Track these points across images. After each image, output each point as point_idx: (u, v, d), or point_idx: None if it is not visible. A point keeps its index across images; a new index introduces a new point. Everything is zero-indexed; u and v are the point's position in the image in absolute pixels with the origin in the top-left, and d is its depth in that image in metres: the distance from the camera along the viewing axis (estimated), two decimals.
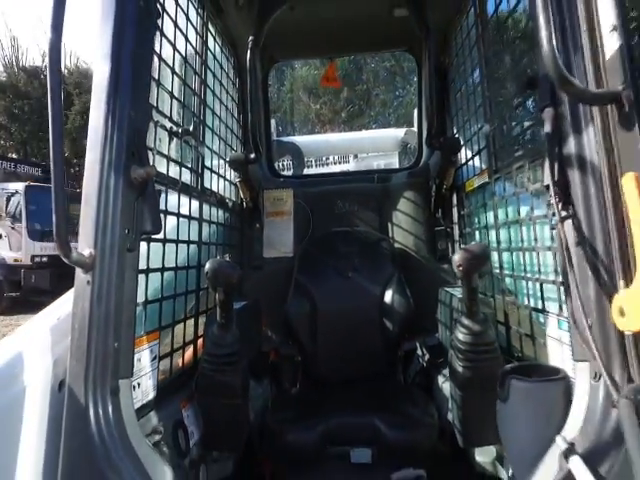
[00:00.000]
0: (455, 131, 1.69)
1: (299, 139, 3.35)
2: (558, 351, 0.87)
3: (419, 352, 1.51)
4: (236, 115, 1.81)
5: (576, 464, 0.60)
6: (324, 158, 4.12)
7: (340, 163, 4.79)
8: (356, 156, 3.82)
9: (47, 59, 0.70)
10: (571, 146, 0.69)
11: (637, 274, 0.51)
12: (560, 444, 0.64)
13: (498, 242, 1.27)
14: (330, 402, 1.35)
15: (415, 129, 2.61)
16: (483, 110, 1.37)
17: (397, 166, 3.55)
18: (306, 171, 3.29)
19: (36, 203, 10.46)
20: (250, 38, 1.49)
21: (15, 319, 8.53)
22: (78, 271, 0.74)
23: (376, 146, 3.21)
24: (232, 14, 1.54)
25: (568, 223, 0.71)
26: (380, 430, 1.18)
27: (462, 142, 1.59)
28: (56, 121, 0.68)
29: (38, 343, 0.74)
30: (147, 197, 0.84)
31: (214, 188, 1.49)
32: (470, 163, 1.54)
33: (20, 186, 9.83)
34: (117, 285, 0.75)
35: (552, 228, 0.93)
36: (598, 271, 0.64)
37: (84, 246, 0.73)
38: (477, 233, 1.49)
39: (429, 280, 1.64)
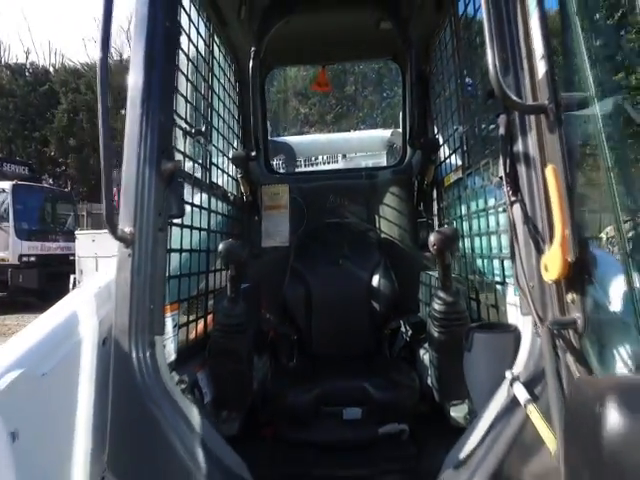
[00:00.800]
0: (435, 132, 1.89)
1: (292, 139, 3.51)
2: (514, 314, 1.05)
3: (403, 329, 1.69)
4: (236, 116, 1.97)
5: (518, 389, 0.79)
6: (313, 158, 4.29)
7: (329, 163, 4.96)
8: (345, 156, 4.00)
9: (97, 78, 0.85)
10: (518, 145, 0.88)
11: (554, 239, 0.69)
12: (508, 377, 0.83)
13: (470, 229, 1.46)
14: (323, 371, 1.52)
15: (401, 130, 2.81)
16: (458, 114, 1.56)
17: (384, 164, 3.76)
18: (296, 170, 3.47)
19: (23, 202, 10.42)
20: (252, 49, 1.66)
21: (1, 319, 8.51)
22: (120, 246, 0.90)
23: (364, 146, 3.40)
24: (234, 27, 1.70)
25: (516, 206, 0.89)
26: (369, 392, 1.36)
27: (440, 142, 1.78)
28: (106, 135, 0.84)
29: (85, 306, 0.90)
30: (173, 186, 1.00)
31: (219, 182, 1.65)
32: (447, 161, 1.74)
33: (7, 185, 9.76)
34: (152, 258, 0.91)
35: None
36: (537, 243, 0.83)
37: (125, 225, 0.89)
38: (454, 223, 1.68)
39: (412, 266, 1.82)
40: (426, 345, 1.44)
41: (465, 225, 1.51)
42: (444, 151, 1.77)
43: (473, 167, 1.41)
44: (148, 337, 0.87)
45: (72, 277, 10.34)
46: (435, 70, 1.86)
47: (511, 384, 0.81)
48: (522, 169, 0.88)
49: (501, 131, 0.94)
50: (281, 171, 3.07)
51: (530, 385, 0.78)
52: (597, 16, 0.93)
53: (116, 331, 0.86)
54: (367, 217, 2.00)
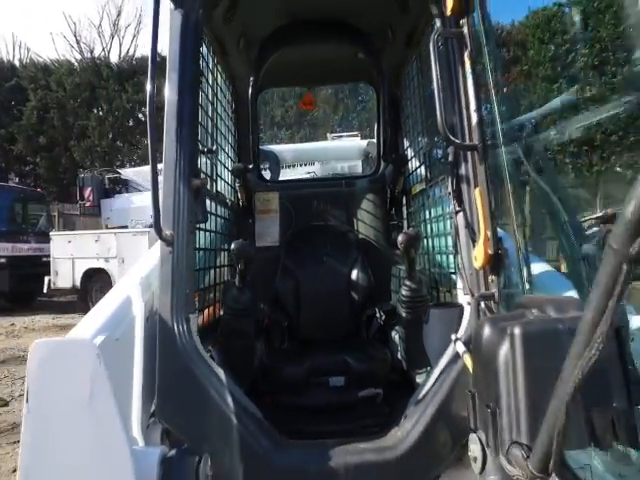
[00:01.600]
0: (404, 149, 2.21)
1: (276, 147, 3.78)
2: (462, 295, 1.38)
3: (377, 315, 2.00)
4: (233, 133, 2.23)
5: (459, 345, 1.11)
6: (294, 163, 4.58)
7: (307, 165, 5.28)
8: (322, 161, 4.30)
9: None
10: (461, 170, 1.20)
11: (480, 239, 1.01)
12: (453, 338, 1.15)
13: (432, 230, 1.79)
14: (311, 350, 1.81)
15: (375, 140, 3.15)
16: (422, 136, 1.89)
17: (359, 170, 4.10)
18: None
19: None
20: (251, 78, 1.94)
21: None
22: (162, 244, 1.16)
23: (343, 154, 3.72)
24: (234, 55, 1.97)
25: (460, 215, 1.21)
26: (349, 364, 1.66)
27: (409, 158, 2.11)
28: (153, 155, 1.10)
29: (134, 292, 1.15)
30: (200, 198, 1.27)
31: (222, 191, 1.92)
32: (414, 174, 2.06)
33: None
34: (186, 255, 1.17)
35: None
36: (472, 241, 1.15)
37: (166, 229, 1.16)
38: (420, 225, 2.01)
39: (385, 262, 2.14)
40: (397, 327, 1.76)
41: (428, 227, 1.83)
42: (412, 165, 2.09)
43: (434, 180, 1.74)
44: (184, 314, 1.14)
45: (47, 279, 10.23)
46: (405, 95, 2.19)
47: (455, 342, 1.13)
48: (463, 188, 1.20)
49: (449, 157, 1.27)
50: (270, 179, 3.35)
51: (467, 342, 1.10)
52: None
53: (161, 309, 1.12)
54: (346, 220, 2.30)
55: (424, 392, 1.16)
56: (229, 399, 1.10)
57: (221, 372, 1.16)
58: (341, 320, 2.03)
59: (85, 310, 9.79)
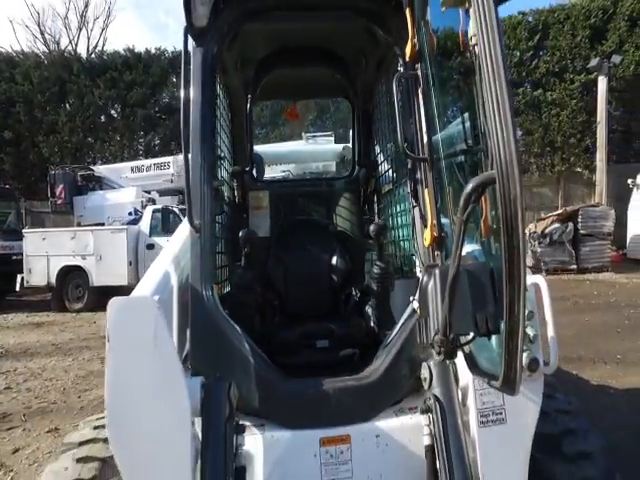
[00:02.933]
0: (375, 155, 2.62)
1: (261, 149, 4.10)
2: (420, 272, 1.80)
3: (354, 293, 2.41)
4: (230, 139, 2.58)
5: (415, 304, 1.52)
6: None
7: (282, 164, 5.64)
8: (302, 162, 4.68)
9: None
10: (416, 175, 1.61)
11: (428, 225, 1.42)
12: (411, 300, 1.55)
13: (398, 222, 2.20)
14: (300, 321, 2.19)
15: (351, 145, 3.56)
16: (389, 144, 2.30)
17: (332, 169, 4.51)
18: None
19: None
20: (247, 93, 2.31)
21: None
22: (192, 231, 1.51)
23: (321, 157, 4.12)
24: (232, 74, 2.32)
25: (416, 209, 1.62)
26: (332, 329, 2.05)
27: (379, 163, 2.52)
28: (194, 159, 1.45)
29: (170, 267, 1.49)
30: (218, 196, 1.62)
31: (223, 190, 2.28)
32: (384, 176, 2.48)
33: None
34: (209, 240, 1.53)
35: None
36: (424, 227, 1.57)
37: (196, 219, 1.50)
38: (388, 219, 2.42)
39: (359, 250, 2.55)
40: (369, 300, 2.17)
41: (395, 220, 2.25)
42: (382, 169, 2.51)
43: (399, 182, 2.16)
44: (209, 284, 1.50)
45: (19, 277, 10.13)
46: (375, 110, 2.60)
47: (412, 302, 1.54)
48: (418, 189, 1.61)
49: (409, 165, 1.68)
50: (259, 179, 3.72)
51: (422, 301, 1.51)
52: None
53: (193, 280, 1.47)
54: (327, 215, 2.70)
55: (389, 339, 1.57)
56: (245, 345, 1.47)
57: (237, 327, 1.53)
58: (323, 298, 2.43)
59: (60, 308, 9.81)
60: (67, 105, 17.59)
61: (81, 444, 1.44)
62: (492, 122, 0.69)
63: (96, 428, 1.53)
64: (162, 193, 12.31)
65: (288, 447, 1.34)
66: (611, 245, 11.76)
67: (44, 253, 9.95)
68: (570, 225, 11.40)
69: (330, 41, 2.23)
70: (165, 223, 9.64)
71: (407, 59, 1.53)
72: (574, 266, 11.32)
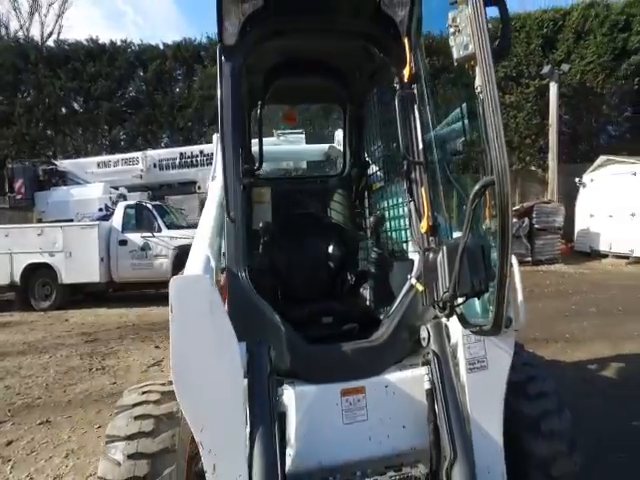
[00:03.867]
0: (366, 156, 2.95)
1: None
2: (412, 254, 2.14)
3: (349, 278, 2.73)
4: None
5: (413, 280, 1.85)
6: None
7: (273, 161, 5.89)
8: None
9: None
10: (412, 175, 1.95)
11: (425, 216, 1.76)
12: (409, 277, 1.89)
13: (389, 215, 2.54)
14: (304, 303, 2.49)
15: (335, 145, 3.88)
16: (380, 147, 2.64)
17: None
18: None
19: None
20: (259, 101, 2.56)
21: None
22: (228, 221, 1.76)
23: (308, 155, 4.43)
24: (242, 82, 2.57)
25: (411, 204, 1.96)
26: (335, 308, 2.36)
27: (370, 163, 2.85)
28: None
29: (209, 252, 1.74)
30: (245, 192, 1.88)
31: None
32: (374, 175, 2.81)
33: None
34: (241, 228, 1.79)
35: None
36: (419, 218, 1.90)
37: (232, 210, 1.75)
38: (380, 212, 2.75)
39: (352, 239, 2.87)
40: (365, 283, 2.49)
41: (386, 213, 2.58)
42: (373, 168, 2.84)
43: (391, 180, 2.49)
44: (243, 265, 1.77)
45: None
46: (367, 115, 2.92)
47: (410, 279, 1.88)
48: (413, 187, 1.95)
49: (404, 168, 2.02)
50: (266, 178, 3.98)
51: (418, 277, 1.85)
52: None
53: (229, 262, 1.73)
54: (322, 209, 3.00)
55: (392, 310, 1.90)
56: (276, 317, 1.75)
57: (265, 301, 1.80)
58: (322, 283, 2.73)
59: (25, 307, 9.53)
60: (24, 95, 16.79)
61: (135, 405, 1.67)
62: (493, 144, 1.02)
63: (144, 393, 1.76)
64: (131, 189, 12.16)
65: (315, 398, 1.64)
66: (561, 239, 12.78)
67: (7, 250, 9.62)
68: (526, 220, 12.30)
69: (331, 55, 2.53)
70: (139, 219, 9.59)
71: (405, 80, 1.86)
72: (529, 258, 12.22)
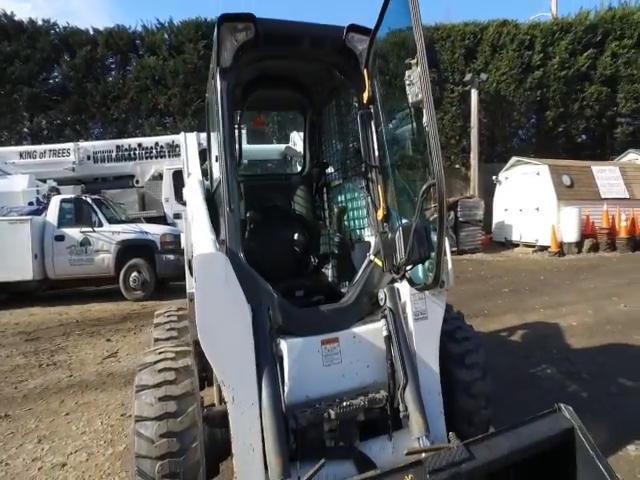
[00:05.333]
0: (325, 157, 3.46)
1: None
2: (368, 238, 2.69)
3: (312, 260, 3.24)
4: None
5: (371, 257, 2.40)
6: None
7: None
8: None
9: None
10: (369, 175, 2.49)
11: (381, 207, 2.31)
12: (367, 254, 2.44)
13: (345, 207, 3.08)
14: (278, 281, 2.95)
15: (291, 145, 4.36)
16: (337, 149, 3.16)
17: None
18: None
19: None
20: (239, 110, 2.95)
21: None
22: (228, 211, 2.16)
23: (266, 154, 4.85)
24: None
25: (369, 198, 2.51)
26: (304, 283, 2.85)
27: (328, 163, 3.36)
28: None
29: (213, 236, 2.13)
30: (239, 189, 2.29)
31: None
32: (333, 174, 3.33)
33: None
34: (238, 218, 2.21)
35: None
36: (376, 210, 2.46)
37: (232, 203, 2.16)
38: (339, 204, 3.28)
39: (313, 229, 3.38)
40: (327, 264, 3.01)
41: (342, 204, 3.12)
42: (331, 169, 3.36)
43: (348, 178, 3.03)
44: (241, 247, 2.19)
45: None
46: (325, 122, 3.42)
47: (368, 256, 2.42)
48: (370, 185, 2.50)
49: (363, 169, 2.55)
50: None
51: (376, 253, 2.40)
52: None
53: (230, 244, 2.14)
54: (287, 202, 3.47)
55: (355, 280, 2.44)
56: (269, 286, 2.20)
57: (258, 274, 2.24)
58: (290, 264, 3.21)
59: None
60: None
61: (156, 362, 2.04)
62: (434, 160, 1.57)
63: (160, 353, 2.13)
64: (62, 182, 11.59)
65: (302, 347, 2.12)
66: (481, 230, 14.36)
67: None
68: (452, 214, 13.64)
69: (299, 72, 2.99)
70: (78, 214, 9.27)
71: (364, 102, 2.40)
72: (455, 248, 13.59)
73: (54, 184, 11.12)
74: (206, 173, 3.34)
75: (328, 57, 2.47)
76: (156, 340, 3.09)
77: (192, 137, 4.02)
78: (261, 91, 3.00)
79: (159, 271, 9.25)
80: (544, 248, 13.40)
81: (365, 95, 2.38)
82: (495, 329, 5.91)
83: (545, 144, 18.47)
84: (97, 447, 3.43)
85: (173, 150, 12.37)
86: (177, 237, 9.78)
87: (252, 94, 2.96)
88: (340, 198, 3.19)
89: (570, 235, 12.94)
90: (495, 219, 15.54)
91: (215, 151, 2.96)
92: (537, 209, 13.65)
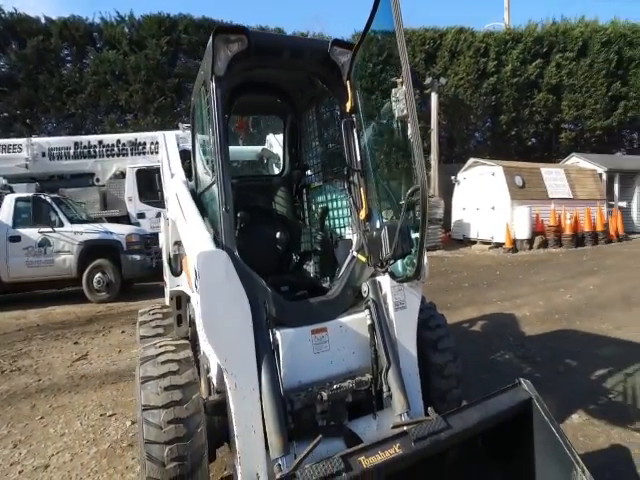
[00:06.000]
0: (304, 160, 3.63)
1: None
2: (349, 236, 2.90)
3: (294, 258, 3.42)
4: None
5: (354, 253, 2.62)
6: None
7: None
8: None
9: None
10: (351, 178, 2.70)
11: (363, 207, 2.53)
12: (350, 250, 2.65)
13: (326, 207, 3.28)
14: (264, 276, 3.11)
15: (267, 147, 4.52)
16: (318, 152, 3.35)
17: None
18: None
19: None
20: (226, 115, 3.06)
21: None
22: (224, 211, 2.30)
23: (243, 156, 4.96)
24: None
25: (351, 199, 2.72)
26: (289, 279, 3.02)
27: (308, 166, 3.55)
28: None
29: (210, 234, 2.25)
30: (232, 189, 2.43)
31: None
32: (312, 176, 3.52)
33: None
34: (233, 214, 2.35)
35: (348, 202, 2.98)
36: (357, 209, 2.67)
37: (228, 204, 2.29)
38: (320, 205, 3.47)
39: (293, 227, 3.55)
40: (309, 260, 3.20)
41: (328, 206, 3.32)
42: (311, 170, 3.54)
43: (328, 181, 3.23)
44: (234, 244, 2.33)
45: None
46: (304, 126, 3.59)
47: (352, 252, 2.64)
48: (352, 187, 2.71)
49: (345, 172, 2.76)
50: None
51: (358, 250, 2.62)
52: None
53: (226, 241, 2.28)
54: (269, 203, 3.62)
55: (340, 274, 2.64)
56: (262, 281, 2.35)
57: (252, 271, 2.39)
58: (273, 262, 3.37)
59: None
60: None
61: (158, 355, 2.15)
62: (418, 168, 1.80)
63: (161, 346, 2.23)
64: (13, 180, 11.04)
65: (294, 337, 2.30)
66: (442, 228, 15.04)
67: None
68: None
69: (282, 80, 3.16)
70: (36, 213, 8.89)
71: (347, 111, 2.61)
72: None
73: (4, 182, 10.58)
74: (189, 174, 3.44)
75: (313, 67, 2.66)
76: (142, 338, 3.16)
77: (172, 136, 4.06)
78: (246, 97, 3.13)
79: (125, 272, 9.06)
80: (499, 245, 14.25)
81: (348, 105, 2.59)
82: (458, 320, 6.33)
83: (499, 146, 19.59)
84: (80, 447, 3.43)
85: (136, 148, 12.06)
86: (143, 237, 9.62)
87: (238, 100, 3.09)
88: (320, 199, 3.39)
89: (522, 233, 13.85)
90: (454, 218, 16.31)
91: (200, 153, 3.08)
92: (493, 208, 14.48)
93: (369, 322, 2.41)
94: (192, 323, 3.50)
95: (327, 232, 3.06)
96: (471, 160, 15.77)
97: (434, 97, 16.68)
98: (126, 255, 9.10)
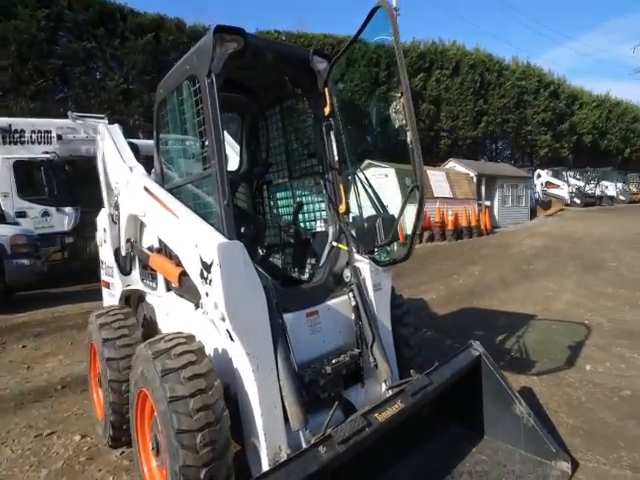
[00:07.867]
0: (267, 157, 3.76)
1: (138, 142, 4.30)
2: (325, 229, 3.18)
3: (260, 252, 3.55)
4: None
5: (333, 242, 2.92)
6: None
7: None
8: None
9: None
10: (328, 176, 2.99)
11: (342, 202, 2.84)
12: (329, 241, 2.94)
13: (289, 204, 3.49)
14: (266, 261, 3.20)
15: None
16: (283, 151, 3.54)
17: None
18: None
19: None
20: None
21: None
22: (226, 206, 2.37)
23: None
24: None
25: (327, 195, 3.01)
26: (285, 271, 3.19)
27: (270, 163, 3.70)
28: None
29: (206, 226, 2.31)
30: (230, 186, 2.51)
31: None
32: (275, 173, 3.69)
33: None
34: (232, 211, 2.45)
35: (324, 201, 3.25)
36: (335, 205, 2.97)
37: (227, 200, 2.38)
38: (283, 200, 3.65)
39: (256, 221, 3.68)
40: (276, 255, 3.39)
41: (290, 201, 3.53)
42: (274, 167, 3.70)
43: (294, 177, 3.45)
44: (236, 237, 2.43)
45: None
46: (270, 126, 3.69)
47: (331, 242, 2.93)
48: (327, 184, 2.99)
49: (321, 170, 3.04)
50: None
51: (336, 240, 2.92)
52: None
53: (230, 235, 2.37)
54: (240, 200, 3.70)
55: (322, 263, 2.91)
56: (262, 270, 2.50)
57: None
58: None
59: None
60: None
61: (171, 348, 2.16)
62: (417, 168, 2.18)
63: (170, 340, 2.24)
64: None
65: (293, 320, 2.49)
66: None
67: None
68: None
69: (251, 79, 3.27)
70: None
71: (326, 115, 2.88)
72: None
73: None
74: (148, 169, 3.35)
75: (293, 72, 2.88)
76: (105, 340, 3.02)
77: (117, 128, 3.85)
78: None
79: (10, 279, 7.89)
80: None
81: (327, 109, 2.87)
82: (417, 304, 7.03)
83: (389, 150, 21.51)
84: (23, 473, 3.08)
85: (10, 136, 10.47)
86: (31, 239, 8.45)
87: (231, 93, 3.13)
88: (281, 195, 3.59)
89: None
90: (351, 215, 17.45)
91: (173, 152, 3.06)
92: (386, 207, 15.92)
93: (353, 303, 2.73)
94: (146, 322, 3.43)
95: (298, 226, 3.29)
96: (366, 162, 17.08)
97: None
98: (10, 260, 7.92)
